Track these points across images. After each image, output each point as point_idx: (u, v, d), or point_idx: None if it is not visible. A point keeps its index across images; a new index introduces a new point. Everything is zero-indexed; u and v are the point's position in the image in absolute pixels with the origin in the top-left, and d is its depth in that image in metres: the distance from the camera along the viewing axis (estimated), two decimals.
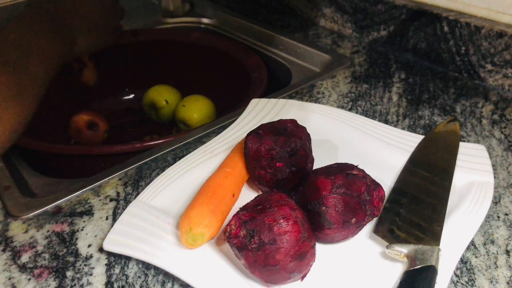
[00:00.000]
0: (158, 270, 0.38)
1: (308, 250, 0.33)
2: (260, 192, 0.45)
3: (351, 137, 0.52)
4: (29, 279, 0.38)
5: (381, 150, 0.50)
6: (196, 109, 0.76)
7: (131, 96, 0.89)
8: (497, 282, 0.37)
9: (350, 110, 0.59)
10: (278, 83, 0.79)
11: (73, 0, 0.58)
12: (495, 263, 0.38)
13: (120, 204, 0.45)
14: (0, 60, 0.45)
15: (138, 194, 0.46)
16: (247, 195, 0.45)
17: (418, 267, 0.34)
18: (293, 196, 0.41)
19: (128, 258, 0.39)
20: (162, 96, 0.80)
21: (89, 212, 0.44)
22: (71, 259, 0.40)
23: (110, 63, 0.82)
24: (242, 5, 0.99)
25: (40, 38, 0.50)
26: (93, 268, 0.39)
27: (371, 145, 0.50)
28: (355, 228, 0.37)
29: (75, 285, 0.37)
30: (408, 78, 0.67)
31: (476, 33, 0.63)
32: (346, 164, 0.40)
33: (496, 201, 0.44)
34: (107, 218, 0.44)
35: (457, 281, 0.37)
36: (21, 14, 0.52)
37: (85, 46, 0.60)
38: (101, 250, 0.40)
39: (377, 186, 0.39)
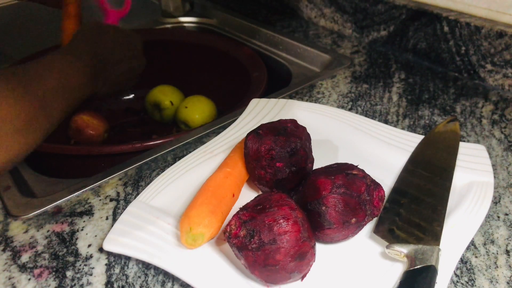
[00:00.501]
0: (158, 270, 0.38)
1: (308, 250, 0.33)
2: (260, 192, 0.45)
3: (351, 137, 0.52)
4: (29, 279, 0.38)
5: (381, 150, 0.50)
6: (199, 110, 0.76)
7: (131, 96, 0.89)
8: (497, 282, 0.37)
9: (350, 110, 0.59)
10: (278, 83, 0.79)
11: (112, 45, 0.57)
12: (495, 263, 0.38)
13: (120, 204, 0.45)
14: (26, 88, 0.42)
15: (138, 194, 0.46)
16: (247, 195, 0.45)
17: (418, 267, 0.34)
18: (293, 196, 0.41)
19: (128, 258, 0.39)
20: (167, 96, 0.80)
21: (89, 212, 0.44)
22: (71, 259, 0.40)
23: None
24: (242, 5, 0.99)
25: (77, 77, 0.48)
26: (93, 268, 0.39)
27: (371, 145, 0.50)
28: (355, 228, 0.37)
29: (75, 285, 0.37)
30: (408, 78, 0.67)
31: (476, 33, 0.63)
32: (346, 164, 0.40)
33: (496, 201, 0.44)
34: (107, 218, 0.44)
35: (457, 281, 0.37)
36: (71, 44, 0.51)
37: (106, 91, 0.58)
38: (101, 250, 0.40)
39: (377, 186, 0.39)
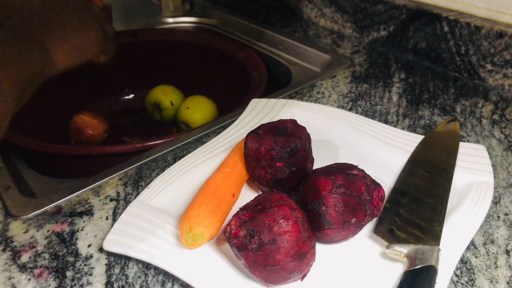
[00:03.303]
0: (158, 270, 0.38)
1: (308, 250, 0.33)
2: (260, 192, 0.45)
3: (351, 137, 0.52)
4: (29, 279, 0.38)
5: (381, 150, 0.50)
6: (200, 111, 0.76)
7: (131, 96, 0.89)
8: (497, 282, 0.37)
9: (350, 110, 0.59)
10: (278, 83, 0.79)
11: (42, 15, 0.51)
12: (495, 263, 0.38)
13: (120, 204, 0.45)
14: None
15: (138, 194, 0.46)
16: (247, 195, 0.45)
17: (418, 267, 0.34)
18: (293, 196, 0.41)
19: (128, 258, 0.39)
20: (167, 97, 0.80)
21: (89, 212, 0.44)
22: (71, 259, 0.40)
23: (110, 63, 0.82)
24: (242, 5, 0.99)
25: (4, 50, 0.43)
26: (93, 268, 0.39)
27: (371, 145, 0.50)
28: (355, 228, 0.37)
29: (75, 285, 0.37)
30: (408, 78, 0.67)
31: (476, 33, 0.63)
32: (346, 164, 0.40)
33: (496, 201, 0.44)
34: (107, 218, 0.44)
35: (457, 281, 0.37)
36: None
37: (62, 60, 0.52)
38: (101, 250, 0.40)
39: (377, 186, 0.39)
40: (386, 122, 0.57)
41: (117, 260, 0.39)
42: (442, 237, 0.38)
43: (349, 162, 0.40)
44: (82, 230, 0.42)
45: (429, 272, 0.34)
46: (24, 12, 0.51)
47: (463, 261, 0.38)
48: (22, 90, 0.43)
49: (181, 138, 0.55)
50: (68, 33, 0.53)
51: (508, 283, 0.36)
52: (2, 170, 0.51)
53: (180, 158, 0.51)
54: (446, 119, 0.55)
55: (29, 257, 0.40)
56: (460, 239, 0.38)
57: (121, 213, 0.42)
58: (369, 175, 0.39)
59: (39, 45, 0.48)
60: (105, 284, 0.37)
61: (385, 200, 0.42)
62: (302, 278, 0.35)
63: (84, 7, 0.57)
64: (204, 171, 0.47)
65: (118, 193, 0.47)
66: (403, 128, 0.55)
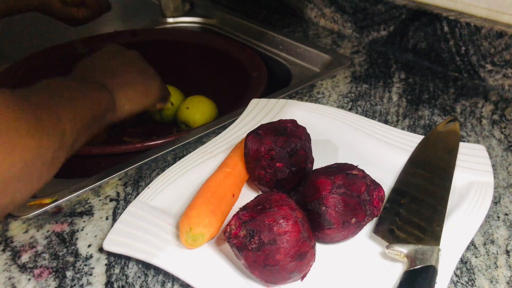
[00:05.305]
0: (158, 270, 0.38)
1: (308, 250, 0.33)
2: (260, 192, 0.45)
3: (351, 137, 0.52)
4: (29, 279, 0.38)
5: (381, 150, 0.50)
6: (200, 111, 0.76)
7: None
8: (497, 282, 0.37)
9: (350, 110, 0.59)
10: (278, 83, 0.79)
11: (105, 62, 0.53)
12: (495, 263, 0.38)
13: (120, 204, 0.45)
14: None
15: (138, 194, 0.46)
16: (247, 195, 0.45)
17: (418, 267, 0.34)
18: (293, 196, 0.41)
19: (128, 258, 0.39)
20: None
21: (89, 212, 0.44)
22: (71, 259, 0.40)
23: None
24: (242, 5, 0.99)
25: (73, 92, 0.43)
26: (93, 268, 0.39)
27: (371, 145, 0.50)
28: (355, 228, 0.37)
29: (75, 285, 0.37)
30: (408, 78, 0.67)
31: (476, 33, 0.63)
32: (346, 164, 0.40)
33: (496, 201, 0.44)
34: (107, 218, 0.44)
35: (457, 281, 0.37)
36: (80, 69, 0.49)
37: (128, 107, 0.53)
38: (101, 250, 0.40)
39: (377, 186, 0.39)
40: (386, 122, 0.57)
41: (117, 260, 0.39)
42: (442, 237, 0.38)
43: (349, 162, 0.40)
44: (82, 230, 0.42)
45: (429, 272, 0.34)
46: (89, 60, 0.53)
47: (463, 261, 0.38)
48: (82, 129, 0.42)
49: (181, 138, 0.55)
50: (130, 79, 0.54)
51: (508, 283, 0.36)
52: None
53: (180, 158, 0.51)
54: (446, 119, 0.55)
55: (29, 257, 0.40)
56: (460, 239, 0.38)
57: (121, 213, 0.42)
58: (369, 175, 0.39)
59: (104, 88, 0.50)
60: (105, 284, 0.37)
61: (385, 200, 0.42)
62: (302, 278, 0.35)
63: (141, 58, 0.59)
64: (204, 171, 0.47)
65: (118, 193, 0.47)
66: (403, 128, 0.55)
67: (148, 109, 0.59)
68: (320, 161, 0.45)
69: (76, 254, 0.40)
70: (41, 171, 0.35)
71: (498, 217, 0.43)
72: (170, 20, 0.98)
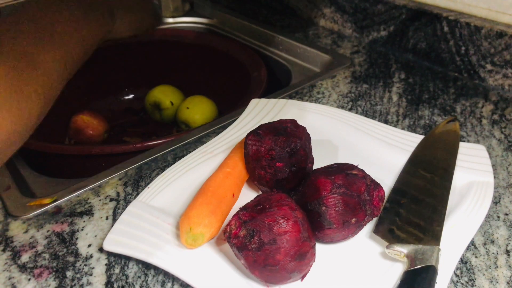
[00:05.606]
0: (158, 270, 0.38)
1: (308, 250, 0.33)
2: (260, 192, 0.45)
3: (351, 137, 0.52)
4: (29, 279, 0.38)
5: (381, 150, 0.50)
6: (200, 111, 0.76)
7: (131, 96, 0.89)
8: (497, 282, 0.37)
9: (350, 110, 0.59)
10: (278, 83, 0.79)
11: None
12: (495, 263, 0.38)
13: (120, 204, 0.45)
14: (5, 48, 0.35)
15: (138, 194, 0.46)
16: (247, 195, 0.45)
17: (418, 267, 0.34)
18: (293, 196, 0.41)
19: (128, 258, 0.39)
20: (167, 97, 0.80)
21: (89, 212, 0.44)
22: (71, 259, 0.40)
23: (110, 63, 0.82)
24: (242, 5, 0.99)
25: (74, 15, 0.44)
26: (93, 268, 0.39)
27: (371, 145, 0.50)
28: (355, 228, 0.37)
29: (75, 285, 0.37)
30: (408, 78, 0.67)
31: (476, 33, 0.63)
32: (346, 164, 0.40)
33: (496, 201, 0.44)
34: (107, 218, 0.44)
35: (457, 281, 0.37)
36: None
37: (124, 29, 0.55)
38: (101, 250, 0.40)
39: (377, 186, 0.39)
40: (386, 122, 0.57)
41: (117, 260, 0.39)
42: (442, 237, 0.38)
43: (349, 162, 0.40)
44: (82, 230, 0.42)
45: (429, 272, 0.34)
46: None
47: (463, 261, 0.38)
48: (85, 54, 0.46)
49: (181, 138, 0.55)
50: (132, 5, 0.57)
51: (508, 283, 0.36)
52: (2, 170, 0.51)
53: (180, 158, 0.51)
54: (446, 119, 0.55)
55: (29, 257, 0.40)
56: (460, 239, 0.38)
57: (121, 213, 0.42)
58: (369, 175, 0.39)
59: (110, 11, 0.52)
60: (105, 284, 0.37)
61: (385, 200, 0.42)
62: (302, 278, 0.35)
63: None
64: (204, 171, 0.47)
65: (118, 193, 0.47)
66: (403, 128, 0.55)
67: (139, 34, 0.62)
68: (320, 161, 0.45)
69: (76, 254, 0.40)
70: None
71: (498, 217, 0.43)
72: (170, 20, 0.98)
